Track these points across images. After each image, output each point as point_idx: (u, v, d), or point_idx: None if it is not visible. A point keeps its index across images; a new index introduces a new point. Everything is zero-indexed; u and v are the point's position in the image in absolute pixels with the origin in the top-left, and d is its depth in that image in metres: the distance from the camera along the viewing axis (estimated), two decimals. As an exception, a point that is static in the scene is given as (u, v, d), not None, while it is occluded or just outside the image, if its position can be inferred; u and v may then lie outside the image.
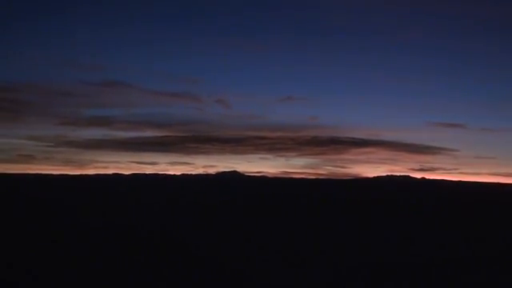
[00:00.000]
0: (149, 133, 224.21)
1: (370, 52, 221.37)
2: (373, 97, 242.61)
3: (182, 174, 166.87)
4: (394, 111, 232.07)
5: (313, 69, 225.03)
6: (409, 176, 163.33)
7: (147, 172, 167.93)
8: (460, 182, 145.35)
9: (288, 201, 50.75)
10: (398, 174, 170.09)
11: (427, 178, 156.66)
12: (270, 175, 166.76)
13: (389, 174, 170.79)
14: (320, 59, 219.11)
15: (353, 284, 13.25)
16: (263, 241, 20.81)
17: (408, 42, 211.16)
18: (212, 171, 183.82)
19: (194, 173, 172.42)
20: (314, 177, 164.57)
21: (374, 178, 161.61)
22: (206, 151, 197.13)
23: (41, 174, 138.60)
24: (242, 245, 19.46)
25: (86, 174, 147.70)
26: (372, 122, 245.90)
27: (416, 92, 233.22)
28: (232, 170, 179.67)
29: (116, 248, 17.81)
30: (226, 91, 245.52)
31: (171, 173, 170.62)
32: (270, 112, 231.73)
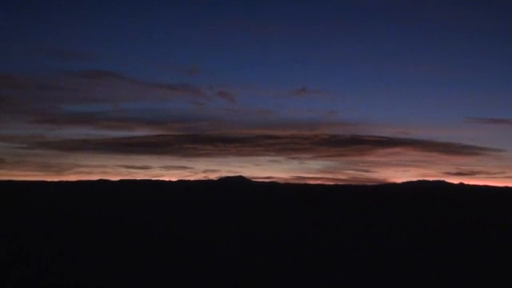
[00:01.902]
0: (140, 132, 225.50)
1: (398, 38, 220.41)
2: (401, 88, 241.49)
3: (179, 180, 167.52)
4: (427, 105, 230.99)
5: (331, 56, 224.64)
6: (444, 181, 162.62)
7: (138, 178, 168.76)
8: (506, 188, 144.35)
9: (303, 210, 50.48)
10: (431, 178, 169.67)
11: (466, 183, 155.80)
12: (281, 181, 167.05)
13: (420, 178, 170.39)
14: (340, 45, 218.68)
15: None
16: (275, 258, 20.62)
17: (443, 25, 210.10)
18: (214, 176, 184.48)
19: (192, 178, 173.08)
20: (332, 182, 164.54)
21: (403, 183, 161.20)
22: (207, 153, 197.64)
23: (12, 181, 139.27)
24: (248, 262, 19.30)
25: (66, 181, 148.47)
26: (400, 117, 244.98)
27: (453, 82, 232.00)
28: (237, 174, 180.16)
29: (102, 264, 17.77)
30: (229, 82, 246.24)
31: (166, 178, 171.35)
32: (282, 107, 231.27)
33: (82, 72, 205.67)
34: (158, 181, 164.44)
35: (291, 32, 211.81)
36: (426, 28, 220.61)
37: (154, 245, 24.23)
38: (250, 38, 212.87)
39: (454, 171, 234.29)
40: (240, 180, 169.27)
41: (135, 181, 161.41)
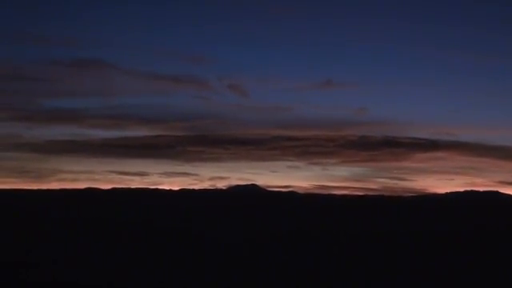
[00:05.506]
0: (136, 131, 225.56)
1: (441, 22, 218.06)
2: (444, 81, 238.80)
3: (181, 190, 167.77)
4: (475, 101, 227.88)
5: (361, 44, 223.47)
6: (498, 192, 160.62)
7: (133, 186, 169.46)
8: None
9: (327, 227, 50.19)
10: (481, 189, 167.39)
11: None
12: (301, 190, 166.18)
13: (468, 189, 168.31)
14: (371, 31, 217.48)
15: None
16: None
17: (491, 13, 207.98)
18: (222, 185, 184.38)
19: (197, 187, 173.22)
20: (361, 193, 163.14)
21: (447, 194, 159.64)
22: (215, 157, 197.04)
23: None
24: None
25: (46, 189, 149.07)
26: (443, 115, 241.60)
27: (507, 74, 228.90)
28: (249, 182, 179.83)
29: None
30: (241, 73, 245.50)
31: (166, 187, 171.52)
32: (302, 102, 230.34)
33: (66, 61, 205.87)
34: (156, 190, 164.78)
35: (314, 15, 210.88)
36: (473, 12, 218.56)
37: (149, 262, 24.26)
38: (266, 21, 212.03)
39: (511, 180, 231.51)
40: (253, 189, 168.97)
41: (129, 189, 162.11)
